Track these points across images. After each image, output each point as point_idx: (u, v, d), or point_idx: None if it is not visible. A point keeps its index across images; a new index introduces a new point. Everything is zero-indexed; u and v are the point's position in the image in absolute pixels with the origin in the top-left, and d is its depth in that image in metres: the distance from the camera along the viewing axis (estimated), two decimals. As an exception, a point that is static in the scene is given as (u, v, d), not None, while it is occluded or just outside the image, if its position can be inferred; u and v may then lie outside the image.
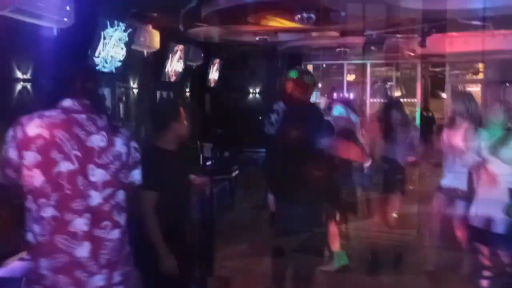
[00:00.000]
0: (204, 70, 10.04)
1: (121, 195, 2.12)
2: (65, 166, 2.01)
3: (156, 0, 5.85)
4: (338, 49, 9.07)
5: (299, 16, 6.07)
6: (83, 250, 2.02)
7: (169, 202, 2.60)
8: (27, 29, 4.60)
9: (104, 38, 5.68)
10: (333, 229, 4.38)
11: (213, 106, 10.78)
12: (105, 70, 5.91)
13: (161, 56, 7.68)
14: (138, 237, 2.40)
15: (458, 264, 4.09)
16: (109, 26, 5.73)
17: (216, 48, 9.82)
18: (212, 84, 10.63)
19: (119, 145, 2.10)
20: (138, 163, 2.18)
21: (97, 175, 2.05)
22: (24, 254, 3.74)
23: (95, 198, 2.04)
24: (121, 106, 6.84)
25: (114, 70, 6.12)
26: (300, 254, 3.37)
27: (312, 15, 6.00)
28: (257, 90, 11.25)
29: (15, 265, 3.54)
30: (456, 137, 3.82)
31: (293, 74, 3.78)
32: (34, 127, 2.01)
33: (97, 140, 2.06)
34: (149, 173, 2.30)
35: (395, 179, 4.54)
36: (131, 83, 7.23)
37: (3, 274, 3.43)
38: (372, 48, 7.47)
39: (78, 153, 2.02)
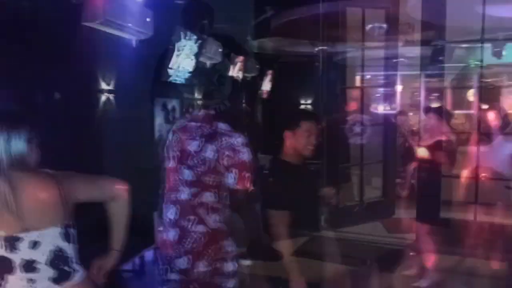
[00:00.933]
0: (258, 81, 10.00)
1: (209, 197, 2.36)
2: (169, 164, 2.46)
3: (229, 11, 5.86)
4: (395, 60, 8.87)
5: (370, 26, 5.96)
6: (171, 235, 2.38)
7: (300, 219, 2.50)
8: (109, 41, 4.66)
9: (178, 50, 5.72)
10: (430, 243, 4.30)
11: (268, 117, 10.71)
12: (177, 81, 5.95)
13: (222, 67, 7.68)
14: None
15: None
16: (182, 38, 5.77)
17: (269, 59, 9.77)
18: (265, 95, 10.57)
19: (208, 151, 2.35)
20: (232, 167, 2.34)
21: (185, 174, 2.38)
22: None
23: (184, 193, 2.37)
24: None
25: (184, 81, 6.15)
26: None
27: (384, 26, 5.89)
28: (308, 102, 11.14)
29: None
30: None
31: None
32: (170, 132, 2.52)
33: (192, 145, 2.39)
34: (276, 192, 2.33)
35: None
36: (196, 94, 7.26)
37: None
38: (440, 58, 7.27)
39: (177, 154, 2.42)
